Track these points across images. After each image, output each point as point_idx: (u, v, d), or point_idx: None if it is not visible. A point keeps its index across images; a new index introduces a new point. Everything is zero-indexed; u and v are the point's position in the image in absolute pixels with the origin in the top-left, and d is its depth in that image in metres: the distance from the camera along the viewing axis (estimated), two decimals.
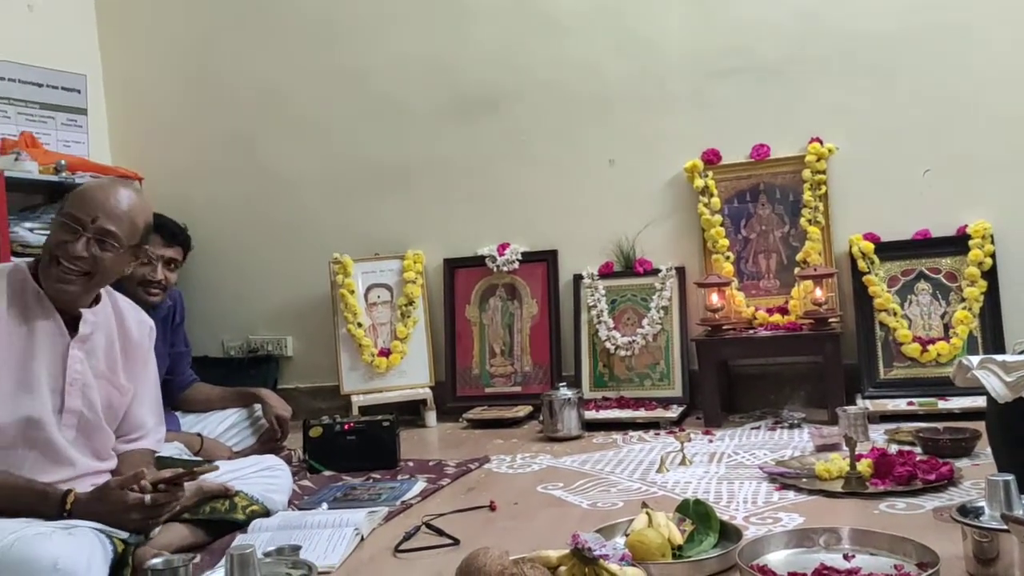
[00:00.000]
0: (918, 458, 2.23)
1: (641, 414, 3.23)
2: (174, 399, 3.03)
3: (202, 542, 2.02)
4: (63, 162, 3.21)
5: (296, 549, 1.79)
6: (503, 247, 3.67)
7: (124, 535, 1.79)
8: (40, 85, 3.44)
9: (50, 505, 1.79)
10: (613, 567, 1.49)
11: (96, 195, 1.90)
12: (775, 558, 1.63)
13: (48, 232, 1.96)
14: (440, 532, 2.02)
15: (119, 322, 2.05)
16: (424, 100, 3.74)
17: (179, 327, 3.03)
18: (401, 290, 3.71)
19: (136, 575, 1.76)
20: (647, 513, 1.77)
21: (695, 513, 1.80)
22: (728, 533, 1.77)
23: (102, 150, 3.88)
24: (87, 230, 1.87)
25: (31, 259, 2.00)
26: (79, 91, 3.60)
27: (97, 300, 1.99)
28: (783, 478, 2.27)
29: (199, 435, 2.81)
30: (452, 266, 3.75)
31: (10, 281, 1.90)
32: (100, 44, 4.02)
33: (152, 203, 3.08)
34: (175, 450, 2.51)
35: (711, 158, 3.45)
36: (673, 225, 3.53)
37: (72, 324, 1.94)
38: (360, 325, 3.64)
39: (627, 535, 1.72)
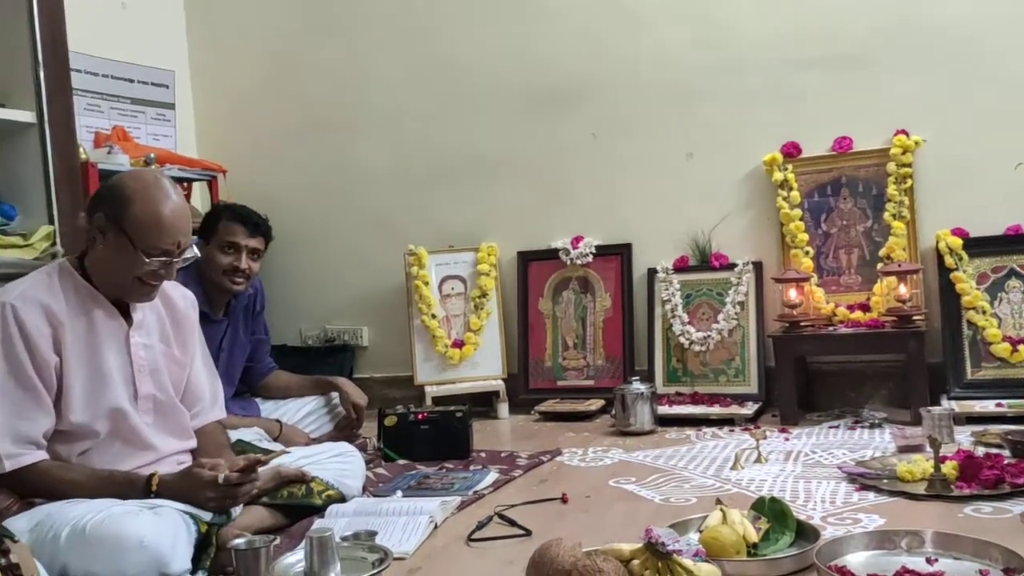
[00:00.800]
0: (1006, 461, 2.15)
1: (715, 410, 3.19)
2: (254, 386, 3.11)
3: (281, 525, 2.07)
4: (152, 155, 3.32)
5: (372, 535, 1.83)
6: (577, 240, 3.66)
7: (207, 516, 1.85)
8: (131, 81, 3.57)
9: (136, 491, 1.85)
10: (687, 562, 1.48)
11: (174, 223, 1.90)
12: (854, 559, 1.60)
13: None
14: (512, 523, 2.04)
15: (164, 299, 2.09)
16: (501, 93, 3.75)
17: (260, 315, 3.11)
18: (475, 282, 3.73)
19: (219, 554, 1.81)
20: (721, 510, 1.75)
21: (771, 511, 1.77)
22: (805, 533, 1.74)
23: (188, 143, 4.00)
24: (174, 256, 1.92)
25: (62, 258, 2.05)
26: (167, 86, 3.73)
27: None
28: (863, 479, 2.21)
29: (278, 421, 2.88)
30: (526, 259, 3.76)
31: (62, 279, 1.94)
32: (188, 40, 4.14)
33: (233, 195, 3.20)
34: (255, 435, 2.57)
35: (791, 151, 3.37)
36: (750, 219, 3.47)
37: (124, 312, 2.01)
38: (434, 316, 3.68)
39: (701, 531, 1.70)
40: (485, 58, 3.76)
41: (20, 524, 1.71)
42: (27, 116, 2.67)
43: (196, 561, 1.78)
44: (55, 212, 2.67)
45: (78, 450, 1.91)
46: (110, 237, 1.90)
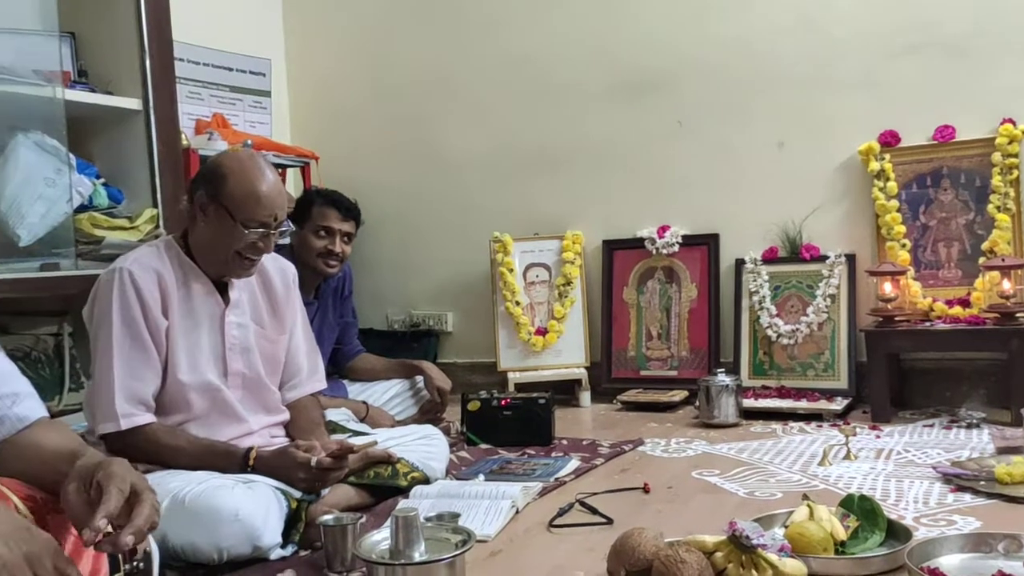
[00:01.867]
0: None
1: (803, 405, 3.12)
2: (342, 368, 3.20)
3: (367, 504, 2.11)
4: (249, 142, 3.42)
5: (455, 516, 1.86)
6: (663, 229, 3.62)
7: (297, 493, 1.91)
8: (230, 69, 3.69)
9: (234, 462, 1.93)
10: (771, 557, 1.46)
11: (270, 195, 1.98)
12: (948, 562, 1.55)
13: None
14: (594, 510, 2.04)
15: (261, 276, 2.16)
16: (588, 81, 3.73)
17: (348, 299, 3.19)
18: (559, 270, 3.73)
19: (308, 530, 1.87)
20: (808, 506, 1.72)
21: (860, 509, 1.73)
22: (896, 532, 1.69)
23: (283, 130, 4.11)
24: (272, 228, 2.00)
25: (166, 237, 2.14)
26: (264, 75, 3.83)
27: None
28: (959, 480, 2.14)
29: (365, 403, 2.95)
30: (611, 247, 3.74)
31: (169, 253, 2.04)
32: (284, 30, 4.24)
33: (325, 181, 3.28)
34: (343, 416, 2.64)
35: (888, 140, 3.26)
36: (844, 210, 3.38)
37: (221, 291, 2.08)
38: (518, 303, 3.70)
39: (786, 526, 1.68)
40: (573, 48, 3.74)
41: None
42: (134, 104, 2.79)
43: (286, 535, 1.85)
44: (159, 196, 2.79)
45: (175, 422, 2.00)
46: (210, 213, 1.98)
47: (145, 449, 1.91)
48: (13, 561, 0.98)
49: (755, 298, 3.44)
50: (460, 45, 3.95)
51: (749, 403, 3.13)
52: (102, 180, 2.77)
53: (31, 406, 1.37)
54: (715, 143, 3.54)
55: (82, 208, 2.65)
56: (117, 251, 2.58)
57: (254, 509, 1.77)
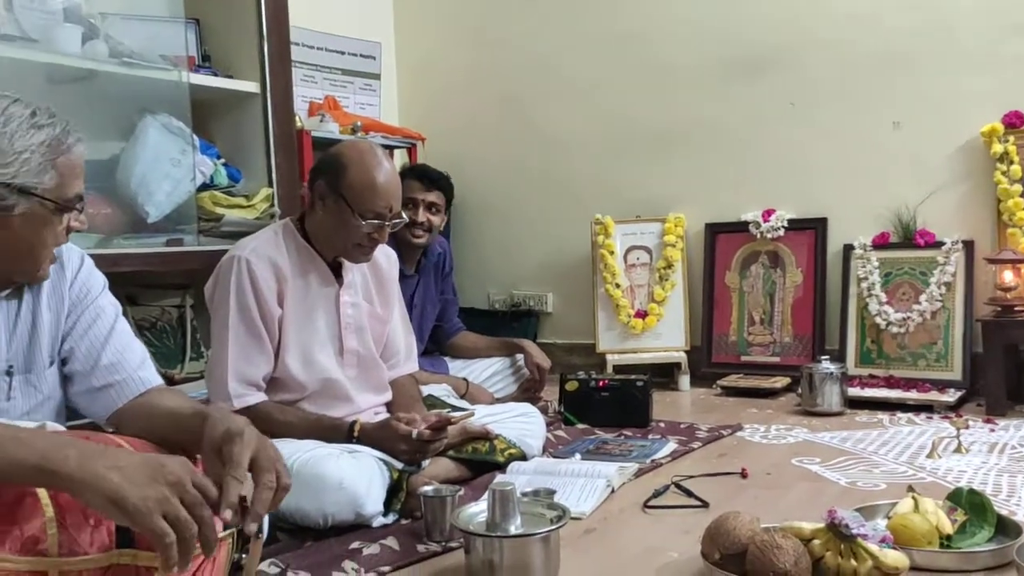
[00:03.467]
0: None
1: (912, 395, 3.02)
2: (443, 345, 3.27)
3: (465, 477, 2.17)
4: (359, 123, 3.52)
5: (551, 493, 1.89)
6: (768, 213, 3.55)
7: (399, 464, 1.98)
8: (342, 53, 3.80)
9: (340, 435, 2.02)
10: (872, 547, 1.43)
11: (387, 187, 2.06)
12: None
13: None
14: (689, 493, 2.04)
15: None
16: (694, 61, 3.68)
17: (448, 276, 3.25)
18: (660, 253, 3.71)
19: (409, 500, 1.93)
20: (914, 498, 1.68)
21: (968, 503, 1.67)
22: (1006, 528, 1.63)
23: (391, 112, 4.20)
24: (387, 219, 2.07)
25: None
26: (374, 58, 3.93)
27: None
28: None
29: (465, 380, 3.01)
30: (714, 231, 3.69)
31: (286, 238, 2.12)
32: (394, 13, 4.33)
33: (430, 162, 3.35)
34: (443, 391, 2.70)
35: (1014, 121, 3.10)
36: (962, 194, 3.23)
37: (335, 272, 2.16)
38: (618, 286, 3.70)
39: (889, 518, 1.64)
40: (679, 27, 3.70)
41: None
42: (252, 87, 2.92)
43: (388, 504, 1.91)
44: (274, 176, 2.91)
45: (287, 401, 2.10)
46: (329, 203, 2.06)
47: (257, 425, 2.00)
48: (152, 496, 1.04)
49: (864, 284, 3.34)
50: (565, 23, 3.94)
51: (855, 392, 3.05)
52: (222, 160, 2.90)
53: (151, 372, 1.47)
54: (827, 124, 3.44)
55: (204, 187, 2.79)
56: (235, 228, 2.71)
57: (358, 478, 1.85)
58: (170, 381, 2.72)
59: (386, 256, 2.30)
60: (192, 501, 1.07)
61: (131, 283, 2.83)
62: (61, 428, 1.28)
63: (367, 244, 2.08)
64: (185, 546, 1.04)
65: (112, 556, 1.11)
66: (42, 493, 1.07)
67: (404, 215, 2.87)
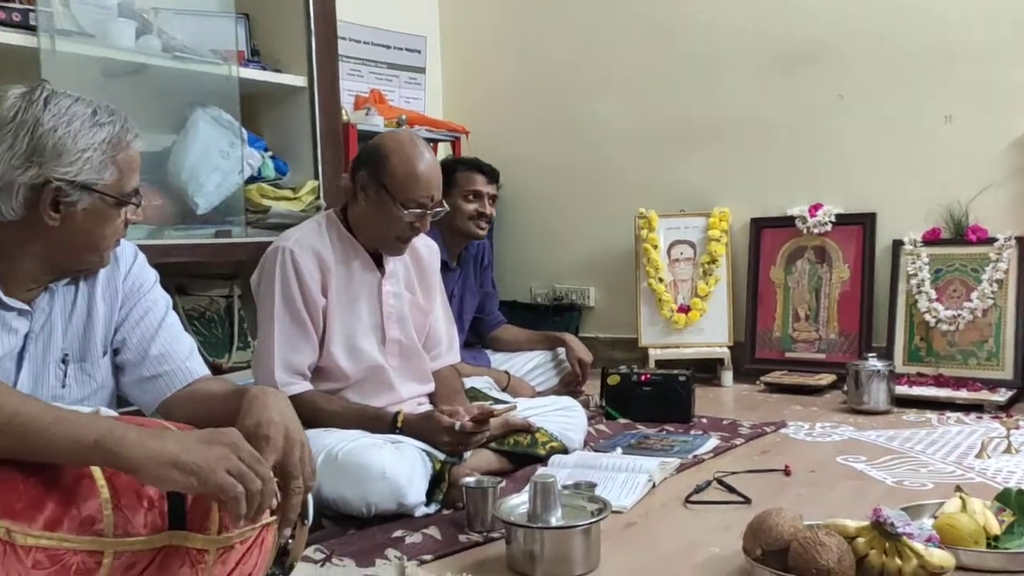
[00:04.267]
0: None
1: (962, 394, 2.96)
2: (485, 338, 3.28)
3: (506, 470, 2.17)
4: (404, 117, 3.55)
5: (592, 486, 1.89)
6: (815, 208, 3.50)
7: (441, 455, 2.00)
8: (388, 47, 3.83)
9: (383, 426, 2.04)
10: (918, 546, 1.41)
11: (428, 177, 2.08)
12: None
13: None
14: (731, 489, 2.03)
15: (410, 250, 2.24)
16: (741, 53, 3.63)
17: (487, 268, 3.27)
18: (705, 247, 3.68)
19: (451, 491, 1.95)
20: (961, 498, 1.65)
21: (1017, 504, 1.64)
22: None
23: (436, 106, 4.22)
24: (428, 208, 2.09)
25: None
26: (419, 51, 3.96)
27: None
28: None
29: (506, 372, 3.01)
30: (759, 225, 3.65)
31: (329, 229, 2.15)
32: (439, 7, 4.34)
33: (474, 155, 3.36)
34: (485, 384, 2.71)
35: None
36: (1017, 190, 3.16)
37: (377, 262, 2.18)
38: (661, 280, 3.68)
39: (935, 517, 1.62)
40: (726, 19, 3.66)
41: None
42: (299, 80, 2.96)
43: (430, 494, 1.93)
44: (320, 168, 2.95)
45: (331, 390, 2.13)
46: (371, 193, 2.09)
47: (303, 414, 2.03)
48: (213, 455, 1.09)
49: (913, 281, 3.28)
50: (610, 15, 3.92)
51: (902, 390, 3.00)
52: (270, 153, 2.95)
53: (198, 363, 1.51)
54: (876, 117, 3.38)
55: (251, 179, 2.84)
56: (282, 220, 2.76)
57: (400, 468, 1.87)
58: (217, 370, 2.79)
59: (427, 247, 2.32)
60: (250, 459, 1.12)
61: (180, 273, 2.89)
62: (114, 414, 1.32)
63: (408, 234, 2.10)
64: (252, 498, 1.09)
65: (165, 537, 1.15)
66: (97, 474, 1.11)
67: (469, 207, 2.93)
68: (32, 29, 2.31)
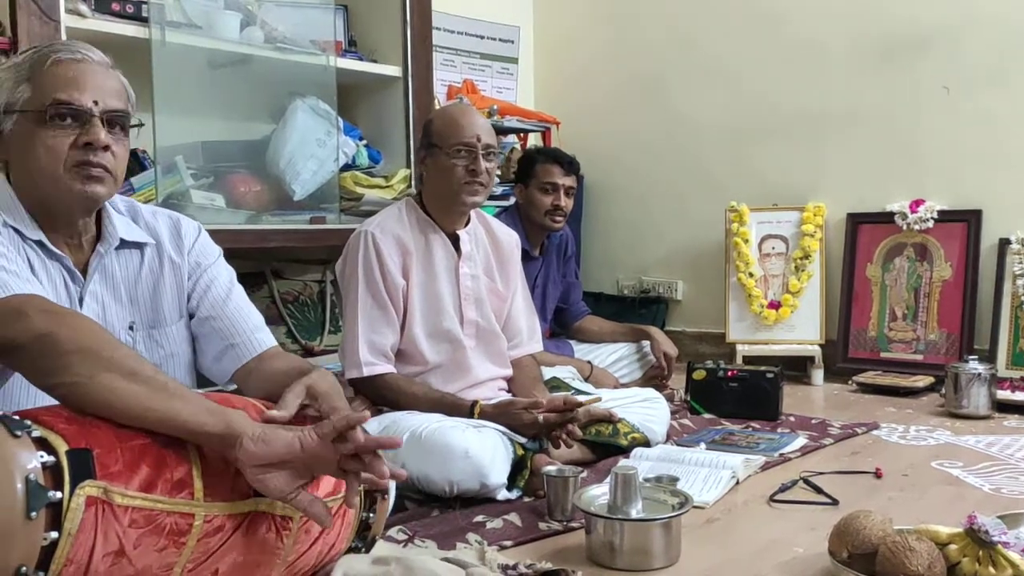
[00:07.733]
0: None
1: None
2: (569, 328, 3.29)
3: (587, 460, 2.18)
4: (495, 107, 3.57)
5: (674, 480, 1.88)
6: (916, 204, 3.38)
7: (523, 440, 2.02)
8: (481, 37, 3.87)
9: (461, 412, 2.07)
10: (1014, 556, 1.36)
11: (468, 117, 2.15)
12: None
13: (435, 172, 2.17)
14: (818, 490, 1.99)
15: (489, 236, 2.30)
16: (840, 42, 3.53)
17: (570, 259, 3.27)
18: (797, 243, 3.60)
19: (532, 478, 1.97)
20: None
21: None
22: None
23: (527, 96, 4.24)
24: (478, 150, 2.12)
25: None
26: (512, 41, 3.98)
27: (468, 221, 2.25)
28: None
29: (589, 363, 3.01)
30: (856, 221, 3.54)
31: (408, 213, 2.20)
32: None
33: (564, 146, 3.36)
34: (567, 373, 2.72)
35: None
36: None
37: (455, 245, 2.21)
38: (752, 275, 3.61)
39: None
40: (825, 3, 3.55)
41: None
42: (394, 71, 3.01)
43: (512, 481, 1.96)
44: (412, 157, 3.00)
45: (412, 373, 2.17)
46: (428, 161, 2.17)
47: (386, 395, 2.11)
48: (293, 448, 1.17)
49: (1020, 282, 3.14)
50: (706, 8, 3.86)
51: (1004, 395, 2.88)
52: (364, 142, 3.02)
53: (267, 335, 1.56)
54: (985, 110, 3.23)
55: (346, 167, 2.91)
56: (375, 208, 2.82)
57: (482, 449, 1.90)
58: (309, 352, 2.87)
59: (508, 236, 2.35)
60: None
61: (277, 258, 2.99)
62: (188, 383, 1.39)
63: (469, 179, 2.12)
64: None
65: (251, 503, 1.20)
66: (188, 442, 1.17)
67: (545, 199, 2.93)
68: (144, 21, 2.43)
